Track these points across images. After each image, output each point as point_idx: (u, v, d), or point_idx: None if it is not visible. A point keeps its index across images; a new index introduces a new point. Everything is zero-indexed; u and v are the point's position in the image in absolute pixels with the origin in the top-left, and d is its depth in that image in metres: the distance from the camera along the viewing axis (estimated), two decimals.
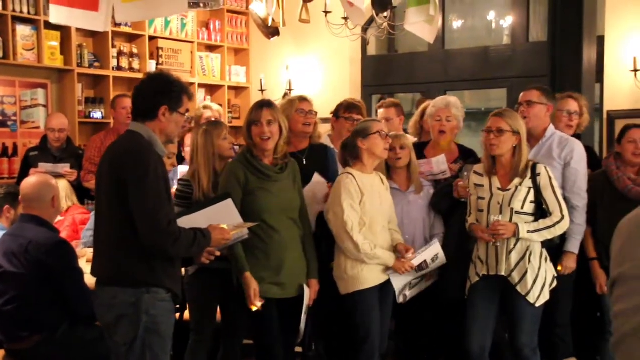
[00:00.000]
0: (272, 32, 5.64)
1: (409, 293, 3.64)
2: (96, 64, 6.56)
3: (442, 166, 3.88)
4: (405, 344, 4.04)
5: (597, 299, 3.87)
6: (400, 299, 3.63)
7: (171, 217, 2.71)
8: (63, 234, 4.33)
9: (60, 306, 3.39)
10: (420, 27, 4.90)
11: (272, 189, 3.33)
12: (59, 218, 4.39)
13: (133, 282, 2.70)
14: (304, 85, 7.33)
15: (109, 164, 2.76)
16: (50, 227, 3.51)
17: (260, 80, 7.55)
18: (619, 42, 6.21)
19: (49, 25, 5.68)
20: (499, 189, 3.41)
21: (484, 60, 7.24)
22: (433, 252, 3.55)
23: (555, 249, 3.52)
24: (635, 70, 6.09)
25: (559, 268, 3.65)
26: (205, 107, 5.24)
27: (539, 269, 3.38)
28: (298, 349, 3.87)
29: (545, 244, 3.43)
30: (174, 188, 3.57)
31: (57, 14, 3.99)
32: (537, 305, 3.38)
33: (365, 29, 6.67)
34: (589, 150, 3.94)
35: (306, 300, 3.36)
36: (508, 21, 7.60)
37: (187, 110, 2.93)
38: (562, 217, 3.38)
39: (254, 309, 3.23)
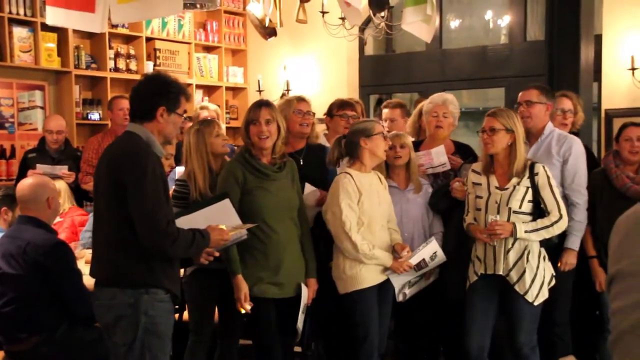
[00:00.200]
0: (269, 32, 5.64)
1: (408, 291, 3.64)
2: (93, 66, 6.56)
3: (441, 157, 3.87)
4: (405, 344, 4.04)
5: (596, 297, 3.88)
6: (400, 298, 3.63)
7: (170, 217, 2.72)
8: (62, 236, 4.33)
9: (58, 307, 3.38)
10: (417, 26, 4.89)
11: (271, 188, 3.34)
12: (58, 219, 4.38)
13: (132, 282, 2.70)
14: (301, 85, 7.33)
15: (107, 165, 2.76)
16: (48, 228, 3.51)
17: (258, 80, 7.55)
18: (617, 41, 6.22)
19: (46, 27, 5.68)
20: (496, 188, 3.42)
21: (481, 60, 7.24)
22: (431, 250, 3.56)
23: (554, 247, 3.52)
24: (633, 69, 6.10)
25: (559, 264, 3.66)
26: (202, 108, 5.24)
27: (537, 268, 3.38)
28: (297, 349, 3.87)
29: (544, 243, 3.43)
30: (172, 189, 3.57)
31: (54, 16, 3.99)
32: (536, 304, 3.38)
33: (362, 29, 6.67)
34: (586, 149, 3.95)
35: (304, 300, 3.37)
36: (505, 20, 7.61)
37: (185, 111, 2.93)
38: (560, 217, 3.39)
39: (243, 311, 3.26)
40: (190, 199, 3.47)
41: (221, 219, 3.03)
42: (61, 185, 4.81)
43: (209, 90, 7.72)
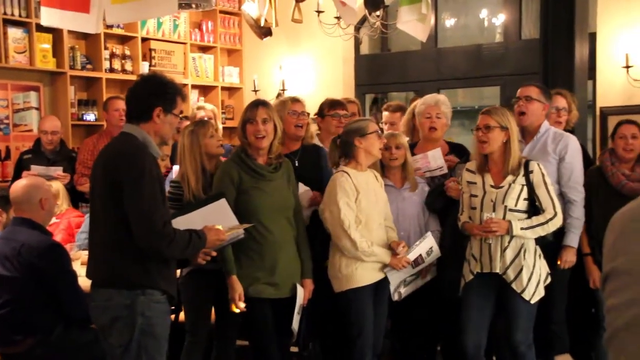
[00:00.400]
0: (264, 32, 5.64)
1: (403, 291, 3.65)
2: (88, 66, 6.55)
3: (438, 161, 3.88)
4: (401, 343, 4.04)
5: (591, 295, 3.89)
6: (395, 297, 3.63)
7: (166, 218, 2.71)
8: (58, 237, 4.32)
9: (53, 309, 3.38)
10: (412, 25, 4.90)
11: (266, 188, 3.34)
12: (54, 220, 4.37)
13: (128, 284, 2.69)
14: (297, 85, 7.33)
15: (103, 166, 2.75)
16: (43, 229, 3.50)
17: (254, 80, 7.55)
18: (611, 38, 6.23)
19: (41, 28, 5.66)
20: (492, 186, 3.42)
21: (476, 58, 7.25)
22: (427, 246, 3.57)
23: (549, 245, 3.53)
24: (627, 67, 6.11)
25: (558, 262, 3.66)
26: (199, 108, 5.24)
27: (534, 266, 3.38)
28: (294, 349, 3.87)
29: (539, 241, 3.43)
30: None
31: (49, 17, 3.98)
32: (533, 302, 3.38)
33: (357, 28, 6.68)
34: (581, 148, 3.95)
35: (299, 300, 3.37)
36: (500, 19, 7.62)
37: (182, 112, 2.93)
38: (555, 214, 3.39)
39: (237, 311, 3.26)
40: (184, 201, 3.47)
41: (218, 219, 3.03)
42: (59, 187, 4.81)
43: (205, 90, 7.71)
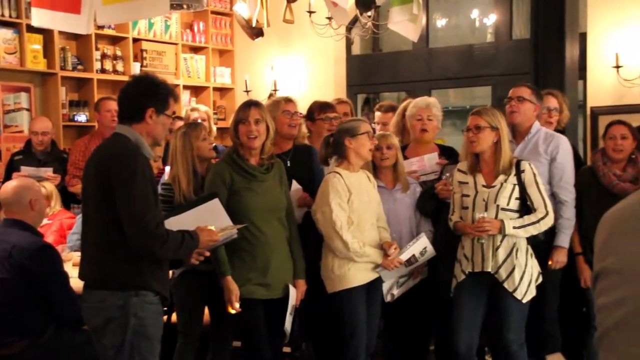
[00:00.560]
0: (256, 32, 5.63)
1: (396, 292, 3.66)
2: (80, 67, 6.52)
3: (434, 165, 3.90)
4: (394, 343, 4.05)
5: (582, 294, 3.91)
6: (388, 298, 3.64)
7: (159, 219, 2.71)
8: (50, 238, 4.30)
9: (45, 311, 3.36)
10: (404, 25, 4.91)
11: (258, 189, 3.33)
12: (46, 221, 4.35)
13: (120, 285, 2.69)
14: (289, 85, 7.33)
15: (95, 167, 2.75)
16: (34, 231, 3.48)
17: (245, 81, 7.54)
18: (601, 38, 6.26)
19: (31, 29, 5.64)
20: (483, 186, 3.43)
21: (468, 58, 7.27)
22: (421, 246, 3.57)
23: (540, 245, 3.55)
24: (618, 67, 6.14)
25: (550, 263, 3.68)
26: (192, 109, 5.22)
27: (526, 265, 3.40)
28: (286, 350, 3.87)
29: (530, 241, 3.45)
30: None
31: (39, 17, 3.96)
32: (524, 301, 3.40)
33: (349, 29, 6.68)
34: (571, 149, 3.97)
35: (292, 301, 3.37)
36: (491, 19, 7.64)
37: (174, 112, 2.93)
38: (547, 213, 3.41)
39: (233, 311, 3.25)
40: (175, 203, 3.46)
41: (210, 219, 3.03)
42: (51, 188, 4.79)
43: (197, 90, 7.70)
